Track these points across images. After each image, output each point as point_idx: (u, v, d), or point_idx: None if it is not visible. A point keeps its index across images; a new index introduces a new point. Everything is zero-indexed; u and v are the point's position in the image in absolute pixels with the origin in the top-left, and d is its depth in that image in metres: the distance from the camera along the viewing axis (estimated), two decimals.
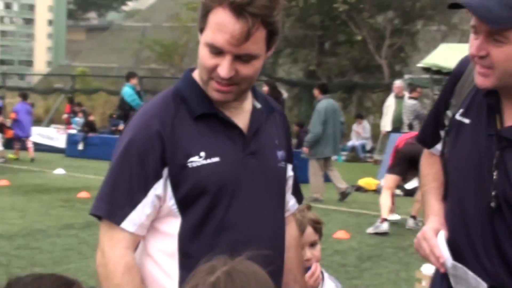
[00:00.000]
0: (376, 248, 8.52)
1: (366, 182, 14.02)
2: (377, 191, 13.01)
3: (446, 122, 2.45)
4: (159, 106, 2.12)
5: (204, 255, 1.81)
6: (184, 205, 2.08)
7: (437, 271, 2.58)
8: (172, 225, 2.10)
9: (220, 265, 1.59)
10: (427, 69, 16.04)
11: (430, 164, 2.61)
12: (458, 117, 2.39)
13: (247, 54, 1.99)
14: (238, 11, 1.93)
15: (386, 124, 16.92)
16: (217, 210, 2.09)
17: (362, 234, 9.24)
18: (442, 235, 2.40)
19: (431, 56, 16.37)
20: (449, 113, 2.44)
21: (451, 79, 2.46)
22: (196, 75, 2.16)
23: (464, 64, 2.42)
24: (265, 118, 2.27)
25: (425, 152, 2.65)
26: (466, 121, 2.36)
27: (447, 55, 15.91)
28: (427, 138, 2.61)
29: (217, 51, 1.99)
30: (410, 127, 16.27)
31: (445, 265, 2.37)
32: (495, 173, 2.26)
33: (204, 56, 2.03)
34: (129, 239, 2.06)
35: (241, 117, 2.18)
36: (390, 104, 16.92)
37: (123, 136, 2.11)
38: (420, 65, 16.83)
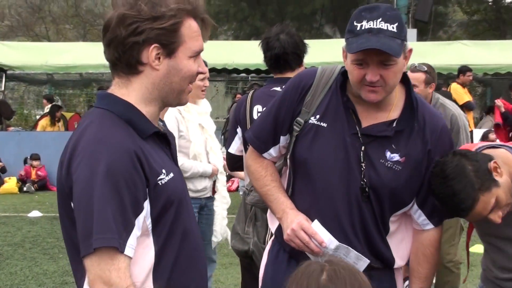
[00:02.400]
0: None
1: None
2: None
3: (297, 128, 2.64)
4: (118, 129, 1.97)
5: (170, 264, 2.00)
6: (156, 221, 2.00)
7: (273, 248, 2.84)
8: (145, 244, 1.99)
9: (322, 267, 1.73)
10: None
11: (264, 167, 2.79)
12: (314, 121, 2.61)
13: None
14: (197, 14, 2.08)
15: None
16: (179, 221, 2.07)
17: None
18: (318, 223, 2.56)
19: None
20: (300, 119, 2.64)
21: (298, 91, 2.67)
22: (128, 98, 2.05)
23: (310, 77, 2.68)
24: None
25: (254, 156, 2.83)
26: (324, 124, 2.59)
27: (3, 52, 16.49)
28: (261, 144, 2.77)
29: (197, 54, 2.10)
30: None
31: (327, 247, 2.52)
32: (363, 164, 2.54)
33: (191, 66, 2.08)
34: (129, 266, 1.89)
35: None
36: None
37: (91, 164, 1.88)
38: None
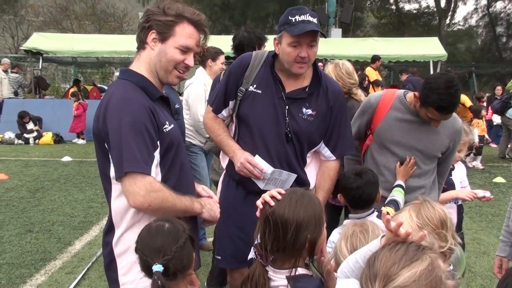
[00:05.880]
0: (35, 182, 8.25)
1: None
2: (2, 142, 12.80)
3: (240, 94, 2.66)
4: (137, 92, 2.01)
5: (172, 186, 1.99)
6: (162, 157, 2.02)
7: (224, 179, 2.86)
8: (156, 172, 2.00)
9: (296, 191, 1.80)
10: (27, 51, 15.73)
11: (217, 123, 2.80)
12: (252, 89, 2.64)
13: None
14: (199, 26, 2.11)
15: (3, 91, 15.74)
16: (178, 157, 2.10)
17: (19, 174, 8.89)
18: (258, 157, 2.63)
19: (28, 41, 16.11)
20: (242, 88, 2.66)
21: (240, 68, 2.69)
22: (140, 71, 2.09)
23: (248, 59, 2.71)
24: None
25: (210, 116, 2.82)
26: (259, 91, 2.63)
27: (40, 40, 15.99)
28: (217, 108, 2.78)
29: (186, 50, 2.07)
30: (16, 93, 15.62)
31: (266, 173, 2.61)
32: (287, 118, 2.61)
33: (175, 54, 2.06)
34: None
35: None
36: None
37: (120, 116, 1.91)
38: (22, 48, 16.38)
